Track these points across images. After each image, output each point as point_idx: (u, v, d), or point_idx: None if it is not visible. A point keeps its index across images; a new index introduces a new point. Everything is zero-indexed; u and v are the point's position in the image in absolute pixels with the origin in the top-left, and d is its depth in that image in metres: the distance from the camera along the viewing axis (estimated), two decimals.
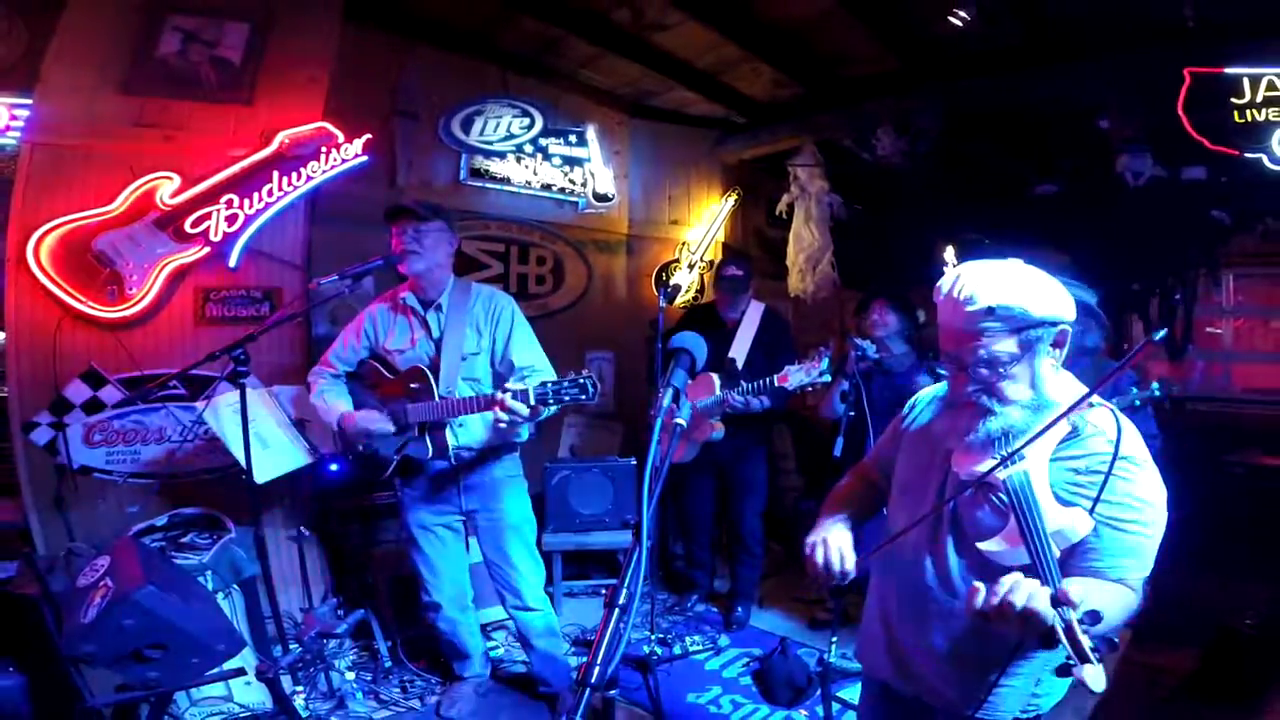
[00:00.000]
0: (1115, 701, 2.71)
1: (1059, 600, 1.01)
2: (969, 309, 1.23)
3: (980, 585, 1.10)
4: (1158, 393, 2.50)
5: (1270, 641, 2.88)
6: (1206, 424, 4.91)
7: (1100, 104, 3.91)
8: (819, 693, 2.79)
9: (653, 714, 2.79)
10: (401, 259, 2.53)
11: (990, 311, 1.22)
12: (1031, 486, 1.20)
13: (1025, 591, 1.05)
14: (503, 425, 2.32)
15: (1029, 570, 1.12)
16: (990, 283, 1.24)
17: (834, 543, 1.42)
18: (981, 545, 1.26)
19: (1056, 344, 1.28)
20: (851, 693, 2.75)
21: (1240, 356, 5.72)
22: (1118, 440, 1.22)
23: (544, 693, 2.83)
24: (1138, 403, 2.48)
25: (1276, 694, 2.82)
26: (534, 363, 2.61)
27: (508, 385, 2.26)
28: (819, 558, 1.41)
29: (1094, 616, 1.00)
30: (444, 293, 2.64)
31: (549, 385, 2.20)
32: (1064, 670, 0.99)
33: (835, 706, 2.72)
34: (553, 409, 2.27)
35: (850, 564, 1.40)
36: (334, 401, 2.64)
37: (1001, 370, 1.25)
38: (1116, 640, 1.00)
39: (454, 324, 2.61)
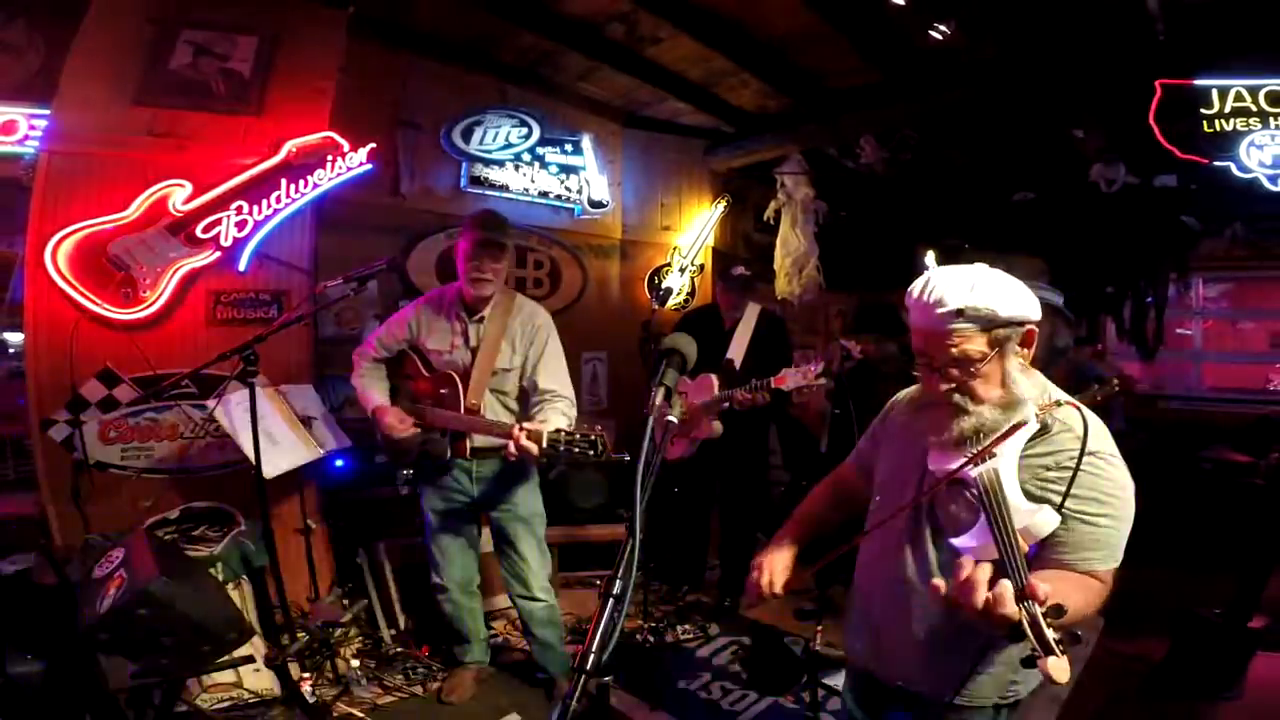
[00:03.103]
0: (1087, 688, 2.81)
1: (1025, 594, 1.03)
2: (940, 311, 1.27)
3: (941, 581, 1.11)
4: (1115, 386, 2.53)
5: (1237, 631, 2.99)
6: (1178, 421, 5.05)
7: (1074, 114, 4.06)
8: (805, 680, 2.89)
9: (645, 699, 2.90)
10: (474, 285, 2.62)
11: (960, 313, 1.26)
12: (1001, 483, 1.22)
13: (987, 586, 1.06)
14: (510, 458, 2.39)
15: (998, 565, 1.13)
16: (959, 285, 1.27)
17: (768, 565, 1.61)
18: (954, 540, 1.29)
19: (1024, 343, 1.31)
20: (837, 680, 2.83)
21: (1209, 356, 5.87)
22: (1085, 436, 1.24)
23: (542, 679, 2.93)
24: (1099, 398, 2.48)
25: (1242, 682, 2.93)
26: (557, 389, 2.65)
27: (525, 425, 2.33)
28: (753, 577, 1.62)
29: (1058, 610, 1.02)
30: (490, 305, 2.72)
31: (562, 435, 2.26)
32: (1029, 662, 1.01)
33: (820, 693, 2.81)
34: (560, 455, 2.31)
35: (779, 587, 1.59)
36: (371, 389, 2.78)
37: (973, 369, 1.28)
38: (1080, 634, 1.01)
39: (492, 338, 2.68)
